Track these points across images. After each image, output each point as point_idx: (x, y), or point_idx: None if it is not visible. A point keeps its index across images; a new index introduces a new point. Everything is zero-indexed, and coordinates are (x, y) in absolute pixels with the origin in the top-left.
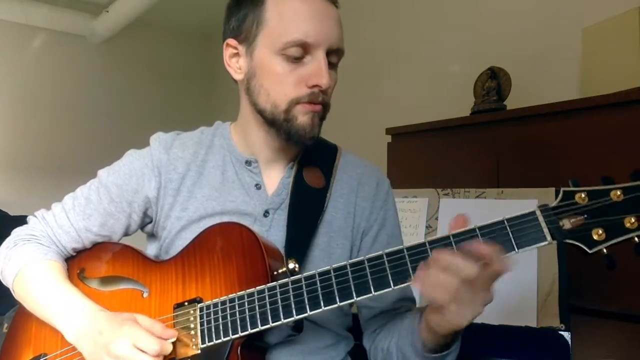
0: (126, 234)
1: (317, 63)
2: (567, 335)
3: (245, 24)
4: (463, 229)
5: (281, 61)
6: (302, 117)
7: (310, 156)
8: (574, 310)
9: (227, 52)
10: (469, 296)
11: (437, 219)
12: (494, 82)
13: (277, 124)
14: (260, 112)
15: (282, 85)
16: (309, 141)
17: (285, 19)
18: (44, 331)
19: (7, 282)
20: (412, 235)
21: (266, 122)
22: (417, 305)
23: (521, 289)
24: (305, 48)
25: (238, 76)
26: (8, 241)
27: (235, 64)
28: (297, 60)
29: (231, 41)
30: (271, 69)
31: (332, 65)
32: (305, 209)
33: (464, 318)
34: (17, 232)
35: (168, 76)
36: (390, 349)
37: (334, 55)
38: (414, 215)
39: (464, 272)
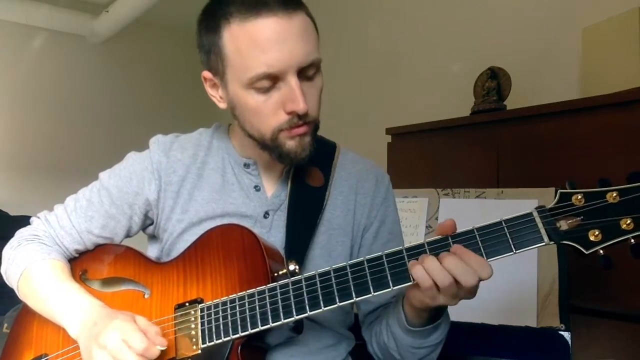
0: (128, 235)
1: (289, 89)
2: (567, 335)
3: (211, 57)
4: (461, 230)
5: (253, 94)
6: (289, 142)
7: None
8: (574, 310)
9: (207, 84)
10: (453, 292)
11: (437, 219)
12: (494, 82)
13: (268, 148)
14: (250, 137)
15: (261, 117)
16: (302, 161)
17: (244, 53)
18: (45, 331)
19: (12, 282)
20: (412, 235)
21: (258, 144)
22: None
23: (521, 289)
24: (272, 78)
25: (222, 105)
26: (12, 242)
27: (217, 93)
28: (268, 89)
29: (206, 74)
30: (246, 103)
31: (309, 79)
32: (305, 209)
33: (439, 302)
34: (21, 233)
35: (168, 76)
36: (381, 330)
37: (308, 69)
38: (414, 215)
39: (463, 279)
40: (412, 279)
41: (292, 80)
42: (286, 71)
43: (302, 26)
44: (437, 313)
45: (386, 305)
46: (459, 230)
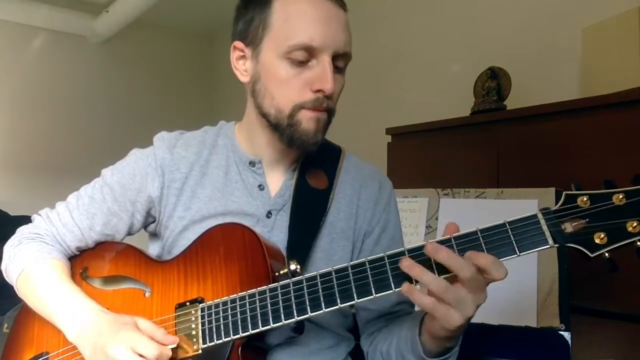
0: (129, 233)
1: (322, 67)
2: (567, 335)
3: (251, 27)
4: (464, 232)
5: (286, 65)
6: (306, 122)
7: (314, 158)
8: (574, 310)
9: (234, 55)
10: (459, 298)
11: (437, 219)
12: (494, 82)
13: (280, 129)
14: (264, 116)
15: (287, 90)
16: (312, 147)
17: (291, 22)
18: (45, 330)
19: (11, 280)
20: (412, 235)
21: (270, 125)
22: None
23: (521, 289)
24: (310, 52)
25: (244, 79)
26: (13, 239)
27: (242, 66)
28: (302, 64)
29: (238, 44)
30: (276, 72)
31: (338, 70)
32: (308, 211)
33: (454, 320)
34: (22, 231)
35: (168, 76)
36: (390, 352)
37: (340, 59)
38: (414, 215)
39: (460, 273)
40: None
41: (326, 60)
42: (324, 49)
43: (346, 22)
44: (452, 343)
45: (387, 315)
46: (462, 232)
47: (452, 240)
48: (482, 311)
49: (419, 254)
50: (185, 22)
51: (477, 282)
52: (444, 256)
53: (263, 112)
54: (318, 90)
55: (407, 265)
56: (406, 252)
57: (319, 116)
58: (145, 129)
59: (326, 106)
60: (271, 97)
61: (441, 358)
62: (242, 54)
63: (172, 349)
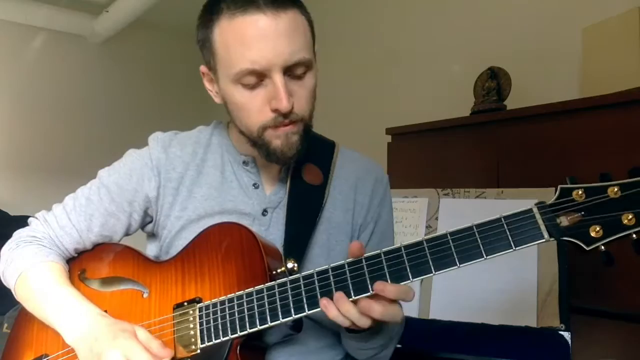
0: (127, 233)
1: (273, 87)
2: (567, 335)
3: (205, 53)
4: (460, 227)
5: (240, 89)
6: (275, 140)
7: (308, 154)
8: (574, 310)
9: (205, 79)
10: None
11: (437, 219)
12: (494, 82)
13: (257, 145)
14: (241, 133)
15: (247, 113)
16: (289, 160)
17: (230, 49)
18: (45, 332)
19: (9, 284)
20: (412, 235)
21: (249, 141)
22: None
23: (521, 289)
24: (258, 75)
25: (217, 100)
26: (10, 243)
27: (213, 88)
28: (255, 86)
29: (203, 68)
30: (233, 98)
31: (298, 78)
32: (304, 207)
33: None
34: (19, 234)
35: (168, 76)
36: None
37: (296, 68)
38: (414, 215)
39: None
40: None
41: (277, 78)
42: (270, 68)
43: (291, 25)
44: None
45: None
46: (458, 227)
47: (448, 237)
48: (482, 311)
49: (415, 250)
50: (185, 22)
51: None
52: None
53: (239, 130)
54: (275, 110)
55: (324, 304)
56: (402, 249)
57: (286, 132)
58: (145, 128)
59: (289, 121)
60: (239, 119)
61: (359, 333)
62: (210, 76)
63: (171, 350)
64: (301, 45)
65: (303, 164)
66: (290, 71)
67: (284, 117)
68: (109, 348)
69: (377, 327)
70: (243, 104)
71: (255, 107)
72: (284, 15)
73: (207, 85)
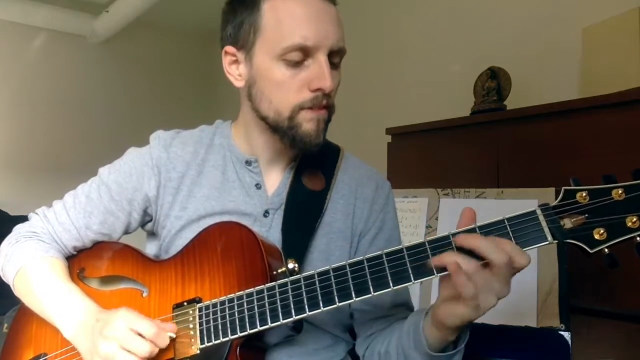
0: (126, 232)
1: (318, 66)
2: (567, 335)
3: (241, 31)
4: (463, 228)
5: (281, 67)
6: (307, 123)
7: (312, 157)
8: (574, 310)
9: (226, 60)
10: (487, 282)
11: (437, 219)
12: (494, 82)
13: (280, 131)
14: (263, 119)
15: (284, 92)
16: (314, 147)
17: (283, 24)
18: (44, 331)
19: (8, 279)
20: (412, 235)
21: (269, 128)
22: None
23: (521, 289)
24: (305, 52)
25: (239, 83)
26: (9, 238)
27: (235, 71)
28: (297, 64)
29: (229, 48)
30: (271, 75)
31: (334, 66)
32: (303, 212)
33: (478, 310)
34: (19, 229)
35: (168, 76)
36: (389, 351)
37: (335, 55)
38: (414, 215)
39: (495, 260)
40: (434, 272)
41: (322, 58)
42: (318, 48)
43: (338, 17)
44: (457, 337)
45: (384, 318)
46: (460, 229)
47: (451, 238)
48: None
49: (417, 252)
50: (184, 22)
51: (507, 269)
52: (476, 242)
53: (261, 115)
54: (317, 89)
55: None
56: (404, 250)
57: (319, 116)
58: (145, 128)
59: (326, 103)
60: (268, 100)
61: (445, 354)
62: (234, 58)
63: (171, 350)
64: (343, 36)
65: (306, 168)
66: (330, 57)
67: (323, 98)
68: (112, 320)
69: (460, 345)
70: (283, 82)
71: (295, 86)
72: (333, 6)
73: (228, 67)
